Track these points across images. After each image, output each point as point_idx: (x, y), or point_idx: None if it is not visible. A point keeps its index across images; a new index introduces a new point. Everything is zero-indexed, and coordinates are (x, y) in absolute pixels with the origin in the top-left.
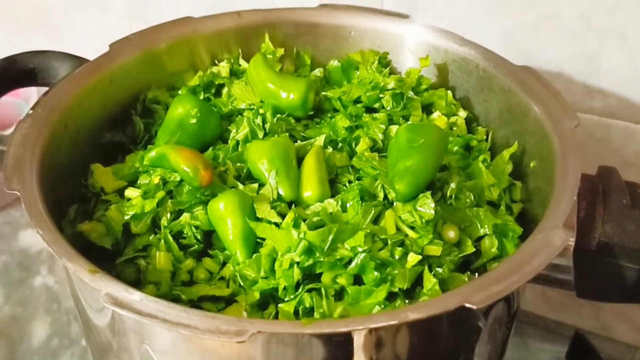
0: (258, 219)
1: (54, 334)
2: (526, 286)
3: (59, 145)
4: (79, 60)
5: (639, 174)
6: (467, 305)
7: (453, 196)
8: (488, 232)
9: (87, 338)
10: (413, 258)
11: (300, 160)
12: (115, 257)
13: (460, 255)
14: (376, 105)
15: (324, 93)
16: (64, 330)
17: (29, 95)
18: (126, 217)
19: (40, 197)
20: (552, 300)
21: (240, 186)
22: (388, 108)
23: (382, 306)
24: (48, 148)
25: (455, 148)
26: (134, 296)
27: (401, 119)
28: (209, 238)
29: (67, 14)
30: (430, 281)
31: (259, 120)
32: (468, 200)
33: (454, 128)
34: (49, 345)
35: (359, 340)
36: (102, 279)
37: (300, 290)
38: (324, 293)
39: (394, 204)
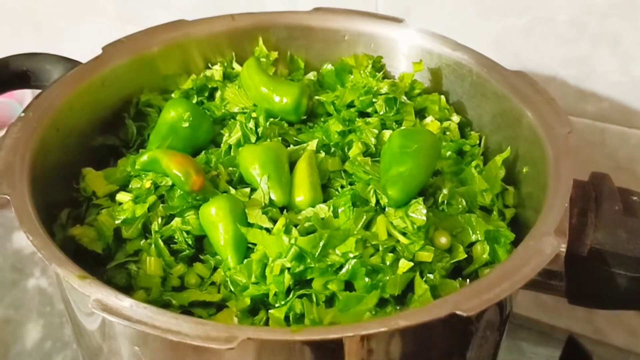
0: (249, 224)
1: (46, 337)
2: (518, 291)
3: (51, 148)
4: (71, 63)
5: (633, 178)
6: (458, 312)
7: (445, 202)
8: (480, 238)
9: (77, 342)
10: (404, 264)
11: (292, 164)
12: (107, 261)
13: (452, 262)
14: (369, 110)
15: (317, 97)
16: (57, 332)
17: (23, 96)
18: (117, 222)
19: (31, 201)
20: (545, 304)
21: (232, 191)
22: (381, 113)
23: (373, 312)
24: (39, 152)
25: (448, 153)
26: (124, 302)
27: (394, 123)
28: (201, 243)
29: (59, 17)
30: (421, 287)
31: (251, 125)
32: (460, 206)
33: (447, 133)
34: (42, 348)
35: (350, 347)
36: (92, 284)
37: (291, 296)
38: (314, 299)
39: (386, 209)
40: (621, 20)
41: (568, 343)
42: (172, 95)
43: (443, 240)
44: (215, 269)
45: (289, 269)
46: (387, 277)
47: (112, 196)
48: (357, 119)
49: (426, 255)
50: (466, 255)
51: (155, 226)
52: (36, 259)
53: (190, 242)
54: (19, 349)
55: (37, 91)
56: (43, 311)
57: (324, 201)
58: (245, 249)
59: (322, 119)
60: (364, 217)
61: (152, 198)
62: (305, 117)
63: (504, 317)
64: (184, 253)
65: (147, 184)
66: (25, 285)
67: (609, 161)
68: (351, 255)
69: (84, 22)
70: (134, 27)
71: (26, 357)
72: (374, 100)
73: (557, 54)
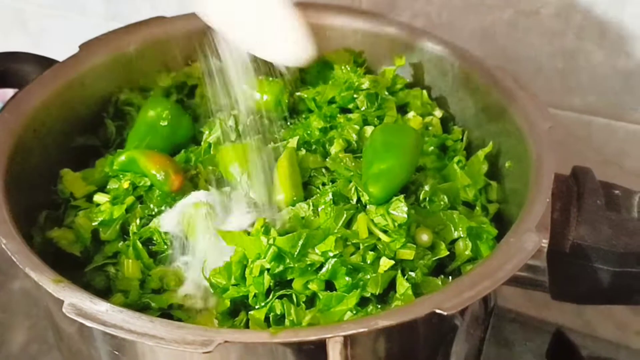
0: None
1: (33, 339)
2: (502, 287)
3: (28, 150)
4: (51, 63)
5: (620, 172)
6: (438, 311)
7: (427, 199)
8: (462, 235)
9: (58, 346)
10: (385, 262)
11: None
12: (86, 264)
13: (434, 259)
14: (350, 106)
15: (298, 93)
16: (43, 335)
17: (5, 97)
18: (94, 224)
19: (6, 204)
20: (534, 297)
21: (212, 190)
22: (362, 108)
23: (354, 312)
24: (16, 153)
25: (431, 148)
26: (99, 306)
27: (376, 119)
28: None
29: (44, 16)
30: (403, 286)
31: (231, 122)
32: (442, 203)
33: (430, 128)
34: (28, 351)
35: (333, 349)
36: (66, 288)
37: (271, 297)
38: (295, 299)
39: (367, 207)
40: (606, 13)
41: (555, 336)
42: (152, 93)
43: (425, 237)
44: None
45: (268, 269)
46: (368, 276)
47: (90, 197)
48: (339, 115)
49: (408, 253)
50: (448, 253)
51: (133, 227)
52: None
53: (169, 243)
54: (5, 353)
55: None
56: (29, 313)
57: (305, 199)
58: None
59: (304, 116)
60: (345, 215)
61: (130, 199)
62: (286, 114)
63: (488, 311)
64: (164, 254)
65: (125, 185)
66: (11, 288)
67: (596, 155)
68: (331, 254)
69: (69, 22)
70: (119, 26)
71: None
72: (355, 96)
73: (543, 48)
